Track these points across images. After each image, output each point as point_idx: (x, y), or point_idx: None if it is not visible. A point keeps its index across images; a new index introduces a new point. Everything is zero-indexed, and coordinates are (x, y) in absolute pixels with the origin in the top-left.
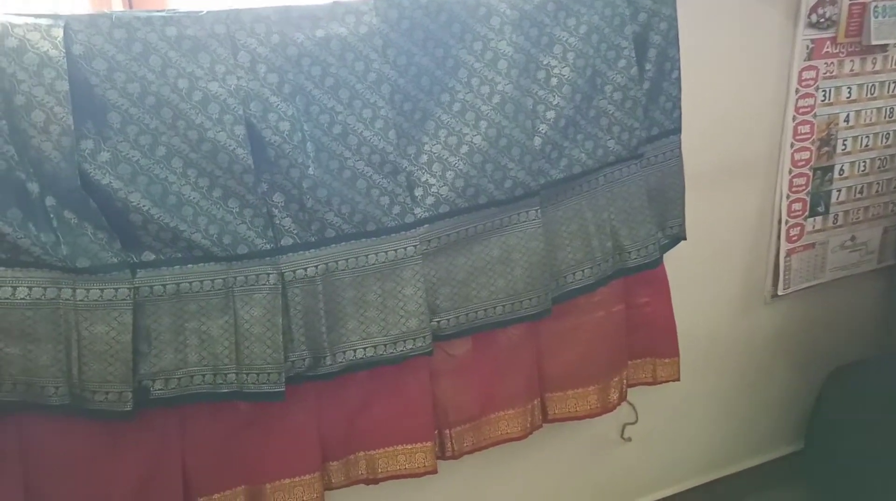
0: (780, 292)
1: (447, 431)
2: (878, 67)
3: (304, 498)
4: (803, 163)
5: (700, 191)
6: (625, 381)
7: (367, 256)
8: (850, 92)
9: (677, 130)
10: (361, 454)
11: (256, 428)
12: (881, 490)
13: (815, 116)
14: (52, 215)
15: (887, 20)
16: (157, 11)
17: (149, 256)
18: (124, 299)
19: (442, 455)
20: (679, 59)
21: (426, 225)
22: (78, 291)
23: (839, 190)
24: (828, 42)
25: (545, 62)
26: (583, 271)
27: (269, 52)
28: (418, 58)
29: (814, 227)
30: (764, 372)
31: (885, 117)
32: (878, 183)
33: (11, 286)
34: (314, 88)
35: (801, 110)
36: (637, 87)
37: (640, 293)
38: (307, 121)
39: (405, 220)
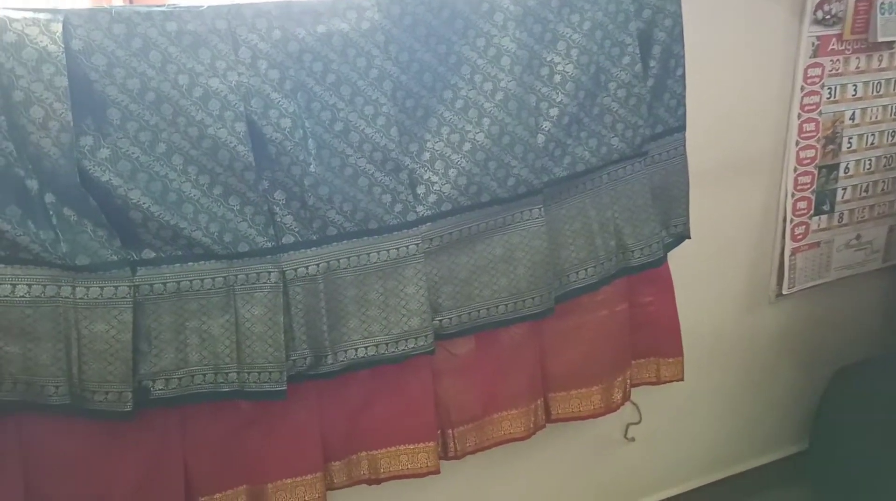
0: (784, 292)
1: (450, 431)
2: (884, 65)
3: (306, 498)
4: (808, 161)
5: (704, 189)
6: (628, 381)
7: (368, 254)
8: (855, 89)
9: (682, 128)
10: (363, 454)
11: (258, 428)
12: (886, 490)
13: (820, 113)
14: (51, 212)
15: (894, 17)
16: (158, 6)
17: (149, 253)
18: (124, 298)
19: (444, 455)
20: (684, 57)
21: (428, 223)
22: (78, 289)
23: (844, 188)
24: (833, 39)
25: (549, 59)
26: (586, 270)
27: (270, 47)
28: (421, 54)
29: (819, 225)
30: (768, 372)
31: (891, 115)
32: (883, 181)
33: (11, 284)
34: (315, 85)
35: (806, 108)
36: (641, 84)
37: (643, 292)
38: (308, 118)
39: (407, 218)
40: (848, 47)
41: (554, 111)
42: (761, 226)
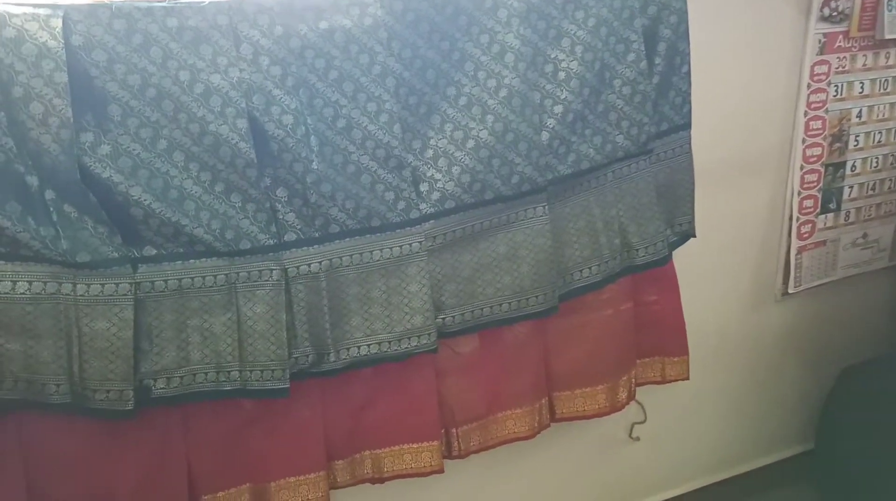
0: (790, 290)
1: (454, 430)
2: (891, 62)
3: (310, 497)
4: (815, 159)
5: (710, 187)
6: (633, 380)
7: (371, 252)
8: (862, 87)
9: (687, 126)
10: (367, 452)
11: (261, 426)
12: (892, 490)
13: (826, 111)
14: (51, 209)
15: None
16: (158, 2)
17: (150, 251)
18: (125, 295)
19: (448, 454)
20: (689, 53)
21: (431, 221)
22: (78, 285)
23: (851, 187)
24: (840, 36)
25: (553, 56)
26: (590, 268)
27: (272, 44)
28: (424, 51)
29: (825, 224)
30: (774, 371)
31: None
32: (890, 180)
33: (11, 281)
34: (318, 81)
35: (812, 106)
36: (646, 81)
37: (648, 291)
38: (311, 114)
39: (410, 216)
40: (855, 44)
41: (558, 108)
42: (767, 224)
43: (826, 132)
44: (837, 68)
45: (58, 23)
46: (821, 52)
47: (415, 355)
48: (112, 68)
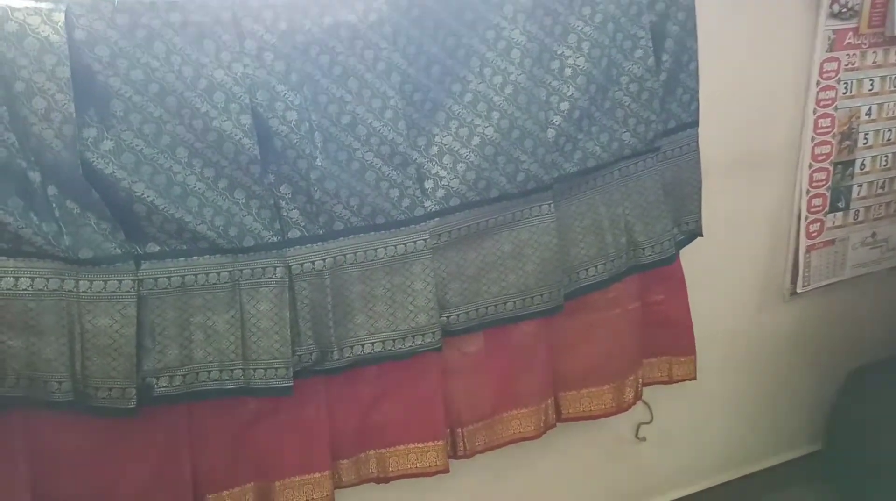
0: (799, 290)
1: (459, 430)
2: None
3: (314, 496)
4: (824, 157)
5: (717, 186)
6: (640, 380)
7: (375, 249)
8: (872, 84)
9: (695, 123)
10: (372, 452)
11: (265, 425)
12: None
13: (836, 109)
14: (54, 205)
15: None
16: None
17: (153, 247)
18: (128, 292)
19: (454, 454)
20: (697, 50)
21: (436, 218)
22: (81, 282)
23: (860, 185)
24: (850, 33)
25: (559, 52)
26: (596, 267)
27: (276, 39)
28: (429, 46)
29: (834, 223)
30: (782, 371)
31: None
32: None
33: (13, 277)
34: (322, 77)
35: (821, 103)
36: (654, 78)
37: (655, 291)
38: (315, 111)
39: (415, 213)
40: (864, 41)
41: (564, 105)
42: (775, 223)
43: (835, 130)
44: (847, 65)
45: (60, 17)
46: (830, 49)
47: (419, 353)
48: (115, 63)
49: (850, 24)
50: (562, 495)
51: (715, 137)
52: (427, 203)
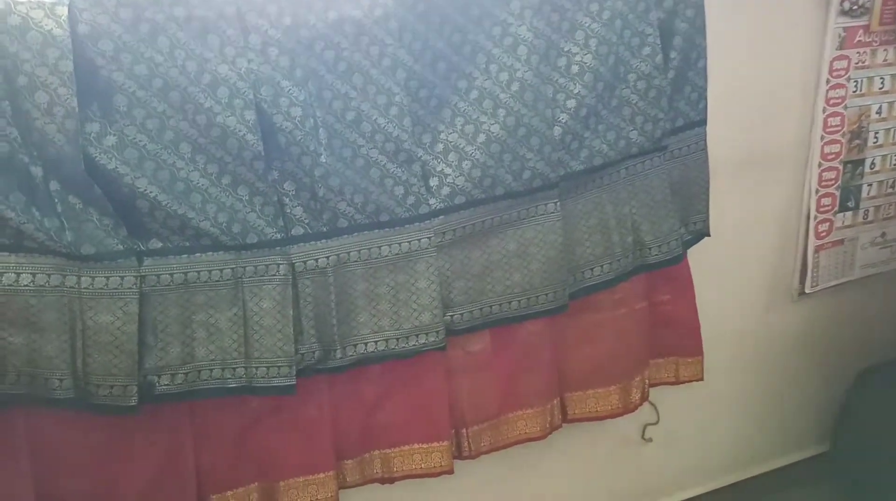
0: (807, 290)
1: (464, 430)
2: None
3: (319, 497)
4: (833, 156)
5: (725, 185)
6: (647, 381)
7: (379, 247)
8: (882, 83)
9: (703, 122)
10: (376, 452)
11: (269, 425)
12: None
13: (845, 107)
14: (56, 200)
15: None
16: None
17: (156, 243)
18: (130, 288)
19: (459, 454)
20: (706, 48)
21: (441, 216)
22: (83, 278)
23: (870, 185)
24: (860, 30)
25: (566, 49)
26: (602, 266)
27: (280, 34)
28: (434, 42)
29: (843, 223)
30: (790, 372)
31: None
32: None
33: (15, 273)
34: (327, 73)
35: (831, 102)
36: (662, 76)
37: (662, 291)
38: (319, 107)
39: (419, 211)
40: (875, 39)
41: (571, 103)
42: (784, 223)
43: (845, 129)
44: (857, 63)
45: (63, 11)
46: (840, 47)
47: (423, 352)
48: (118, 58)
49: (861, 22)
50: (567, 496)
51: (723, 135)
52: (432, 201)
